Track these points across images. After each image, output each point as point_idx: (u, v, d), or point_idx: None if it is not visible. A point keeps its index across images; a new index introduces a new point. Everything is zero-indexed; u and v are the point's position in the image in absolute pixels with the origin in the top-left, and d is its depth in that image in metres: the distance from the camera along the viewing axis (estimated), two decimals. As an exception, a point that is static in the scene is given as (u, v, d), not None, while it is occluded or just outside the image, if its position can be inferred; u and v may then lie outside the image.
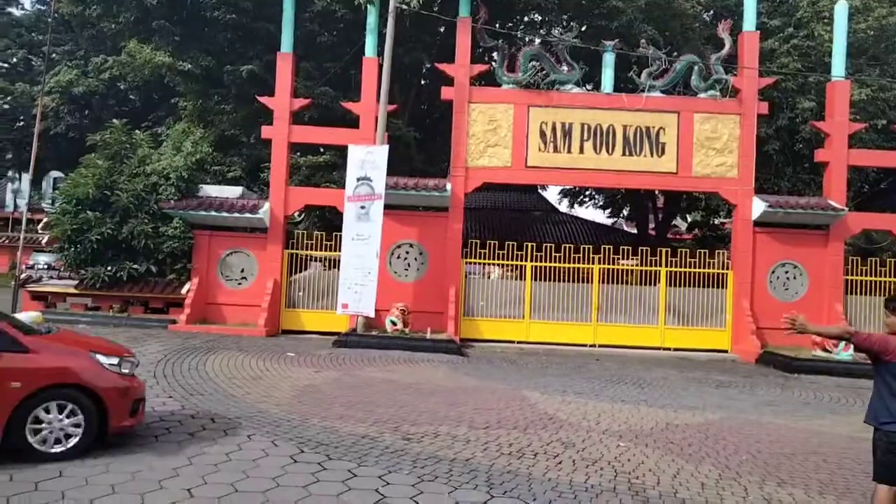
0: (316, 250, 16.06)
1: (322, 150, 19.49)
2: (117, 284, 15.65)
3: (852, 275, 16.02)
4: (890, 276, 16.03)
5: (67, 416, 5.50)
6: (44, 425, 5.43)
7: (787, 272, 15.94)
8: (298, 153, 18.16)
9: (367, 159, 14.38)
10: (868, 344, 4.50)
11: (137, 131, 17.84)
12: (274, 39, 16.52)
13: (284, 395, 8.58)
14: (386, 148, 14.51)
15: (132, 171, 16.04)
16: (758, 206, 15.65)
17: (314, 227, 21.44)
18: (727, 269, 16.14)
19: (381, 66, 15.19)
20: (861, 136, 18.00)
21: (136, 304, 15.85)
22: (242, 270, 15.86)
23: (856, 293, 16.00)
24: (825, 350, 13.83)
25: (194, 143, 16.76)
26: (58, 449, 5.44)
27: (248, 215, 15.48)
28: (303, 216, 22.14)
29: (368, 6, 15.45)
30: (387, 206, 14.64)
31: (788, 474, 6.27)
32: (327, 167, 18.31)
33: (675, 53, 17.06)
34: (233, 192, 16.76)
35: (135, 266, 15.59)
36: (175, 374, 9.54)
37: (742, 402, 9.92)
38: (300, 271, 16.23)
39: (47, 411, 5.45)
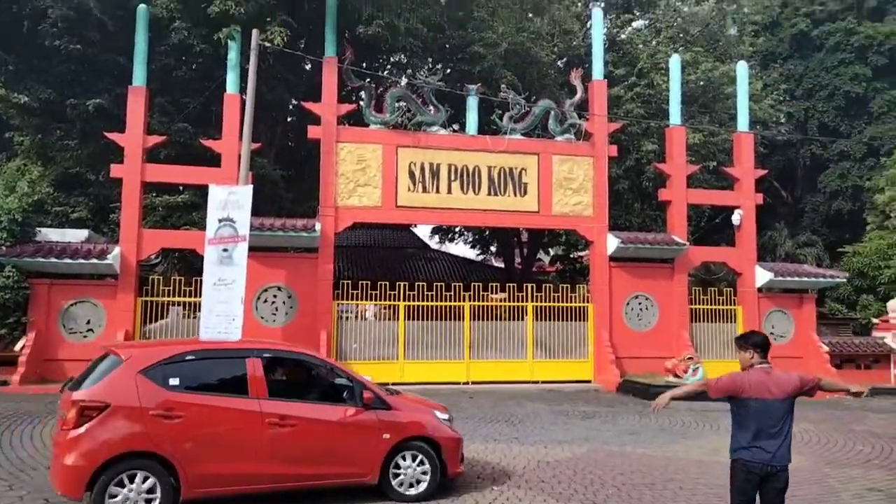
0: (174, 296, 15.01)
1: (181, 189, 18.40)
2: (-67, 343, 13.66)
3: (695, 304, 17.51)
4: (728, 305, 17.70)
5: (419, 465, 6.46)
6: (401, 471, 6.44)
7: (640, 303, 17.13)
8: (154, 193, 16.98)
9: (230, 199, 13.72)
10: (721, 393, 4.83)
11: (-39, 169, 15.87)
12: (125, 72, 15.49)
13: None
14: (250, 188, 13.95)
15: (-47, 214, 14.20)
16: (612, 242, 16.74)
17: (174, 270, 20.11)
18: (587, 301, 17.05)
19: (243, 103, 14.69)
20: (697, 176, 19.91)
21: (-44, 364, 13.89)
22: (88, 322, 14.45)
23: (699, 321, 17.47)
24: (676, 376, 14.90)
25: (31, 183, 15.22)
26: (412, 492, 6.44)
27: (94, 261, 14.19)
28: (160, 259, 20.71)
29: (229, 42, 14.96)
30: (253, 248, 14.03)
31: (650, 505, 6.59)
32: (186, 207, 17.25)
33: (534, 98, 18.03)
34: (77, 235, 15.35)
35: (-44, 321, 13.70)
36: (3, 445, 8.39)
37: (606, 433, 10.39)
38: (158, 320, 15.06)
39: (404, 459, 6.44)
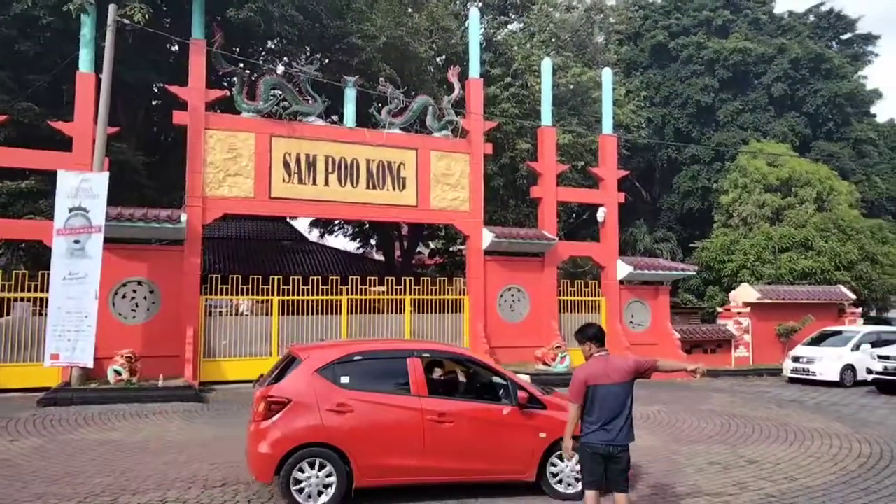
0: (17, 292, 13.60)
1: (26, 173, 16.67)
2: None
3: (564, 295, 18.43)
4: (593, 296, 18.78)
5: (577, 464, 6.01)
6: (558, 469, 6.57)
7: (512, 295, 17.76)
8: (-7, 178, 15.26)
9: (83, 187, 12.67)
10: (578, 397, 5.11)
11: None
12: (-45, 42, 13.79)
13: (-37, 479, 7.00)
14: (106, 175, 12.94)
15: None
16: (487, 237, 17.22)
17: (18, 263, 18.22)
18: (464, 294, 17.43)
19: (99, 83, 13.55)
20: (566, 175, 20.94)
21: None
22: None
23: (567, 311, 18.41)
24: (546, 364, 15.63)
25: None
26: (570, 491, 6.51)
27: (-83, 253, 12.53)
28: (3, 251, 18.68)
29: (82, 16, 13.72)
30: (110, 240, 13.05)
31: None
32: (32, 194, 15.62)
33: (413, 93, 18.12)
34: None
35: None
36: None
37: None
38: (1, 317, 13.57)
39: (560, 458, 6.49)
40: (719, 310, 21.75)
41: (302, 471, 5.95)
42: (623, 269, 18.86)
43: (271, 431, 5.98)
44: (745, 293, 20.70)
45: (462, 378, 7.31)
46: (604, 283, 19.07)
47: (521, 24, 26.71)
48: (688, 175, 29.77)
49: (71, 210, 12.53)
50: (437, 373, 7.20)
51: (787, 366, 17.80)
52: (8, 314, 13.66)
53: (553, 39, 25.49)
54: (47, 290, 12.61)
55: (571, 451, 5.25)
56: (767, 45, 30.08)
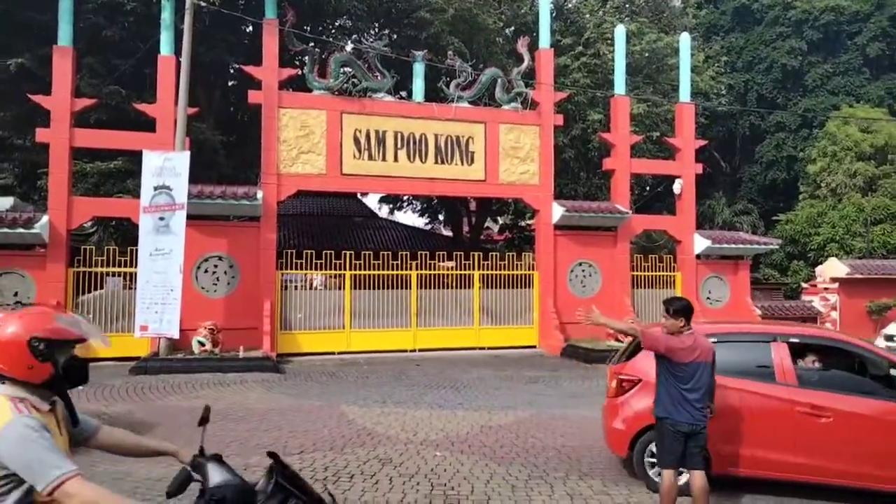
0: (109, 267, 14.45)
1: (115, 155, 17.60)
2: None
3: (637, 271, 17.95)
4: (668, 271, 18.22)
5: None
6: None
7: (583, 271, 17.44)
8: (85, 159, 16.17)
9: (166, 166, 13.23)
10: (656, 347, 4.97)
11: None
12: (49, 32, 14.52)
13: (67, 439, 7.53)
14: (187, 154, 13.46)
15: None
16: (557, 211, 16.92)
17: (109, 240, 19.34)
18: (533, 269, 17.25)
19: (179, 65, 14.04)
20: (641, 146, 20.25)
21: None
22: (16, 294, 13.73)
23: (641, 287, 17.94)
24: (618, 340, 15.29)
25: (-52, 147, 14.23)
26: None
27: (20, 230, 13.46)
28: (95, 228, 19.85)
29: (162, 0, 14.21)
30: (192, 217, 13.60)
31: (588, 466, 6.77)
32: (120, 174, 16.52)
33: (481, 66, 17.89)
34: (2, 203, 14.58)
35: None
36: None
37: (549, 397, 10.60)
38: (93, 291, 14.48)
39: None
40: (804, 286, 20.69)
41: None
42: (700, 243, 18.16)
43: (623, 408, 6.07)
44: (833, 268, 19.56)
45: (845, 367, 6.33)
46: (679, 257, 18.44)
47: (593, -9, 25.79)
48: (772, 144, 28.24)
49: (156, 188, 13.13)
50: (810, 359, 6.30)
51: (880, 344, 16.71)
52: (101, 288, 14.55)
53: (627, 5, 24.55)
54: (136, 265, 13.34)
55: (594, 319, 5.09)
56: (863, 2, 27.88)
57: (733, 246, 18.48)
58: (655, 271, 18.11)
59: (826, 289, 19.31)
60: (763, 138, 28.82)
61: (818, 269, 20.23)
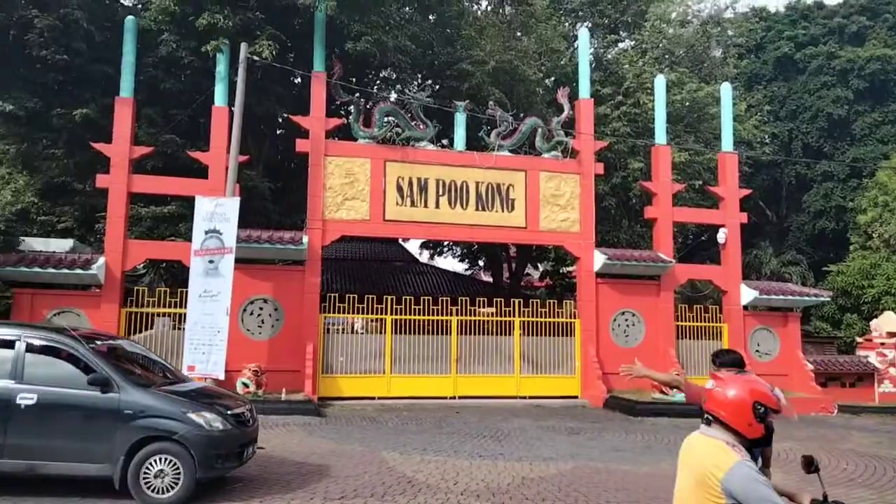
0: (159, 307, 14.87)
1: (168, 200, 18.31)
2: None
3: (681, 321, 17.58)
4: (713, 322, 17.79)
5: None
6: None
7: (626, 320, 17.17)
8: (140, 203, 16.86)
9: (217, 211, 13.68)
10: (699, 399, 4.86)
11: (-57, 177, 15.69)
12: (112, 83, 15.42)
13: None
14: (237, 200, 13.92)
15: (-66, 223, 14.05)
16: (598, 259, 16.81)
17: (160, 281, 19.92)
18: (575, 317, 17.06)
19: (231, 115, 14.68)
20: (682, 195, 20.09)
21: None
22: (70, 333, 14.22)
23: (685, 338, 17.53)
24: (663, 393, 14.91)
25: (15, 192, 15.07)
26: None
27: (78, 271, 14.03)
28: (147, 270, 20.50)
29: (217, 54, 14.99)
30: (239, 260, 13.97)
31: (634, 522, 6.56)
32: (173, 219, 17.12)
33: (522, 115, 18.16)
34: (62, 245, 15.20)
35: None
36: None
37: (591, 450, 10.36)
38: (144, 330, 14.88)
39: None
40: (859, 340, 19.88)
41: None
42: (747, 293, 17.73)
43: None
44: (889, 321, 18.79)
45: None
46: (725, 308, 18.02)
47: (633, 42, 26.13)
48: (819, 193, 27.69)
49: (207, 232, 13.57)
50: None
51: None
52: (151, 328, 14.95)
53: (666, 56, 24.72)
54: (185, 306, 13.70)
55: (635, 372, 4.83)
56: (910, 51, 27.54)
57: (782, 297, 17.99)
58: (701, 322, 17.71)
59: (882, 343, 18.53)
60: (810, 187, 28.30)
61: (873, 322, 19.45)
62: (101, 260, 14.35)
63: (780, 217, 30.23)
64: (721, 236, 18.15)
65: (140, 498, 6.35)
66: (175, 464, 6.42)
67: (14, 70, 16.23)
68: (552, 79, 23.09)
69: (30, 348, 6.65)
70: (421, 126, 16.45)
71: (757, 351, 17.94)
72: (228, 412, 6.99)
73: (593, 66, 20.99)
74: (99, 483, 6.54)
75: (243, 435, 7.12)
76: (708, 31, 26.31)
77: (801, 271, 25.84)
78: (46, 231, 17.45)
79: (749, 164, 25.78)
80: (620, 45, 26.13)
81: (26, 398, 6.39)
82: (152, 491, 6.36)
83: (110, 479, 6.39)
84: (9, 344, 6.69)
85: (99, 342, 7.27)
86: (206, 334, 13.05)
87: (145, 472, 6.38)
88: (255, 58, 14.69)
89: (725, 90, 19.04)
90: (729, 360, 4.94)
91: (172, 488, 6.39)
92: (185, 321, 13.49)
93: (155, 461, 6.40)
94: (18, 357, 6.57)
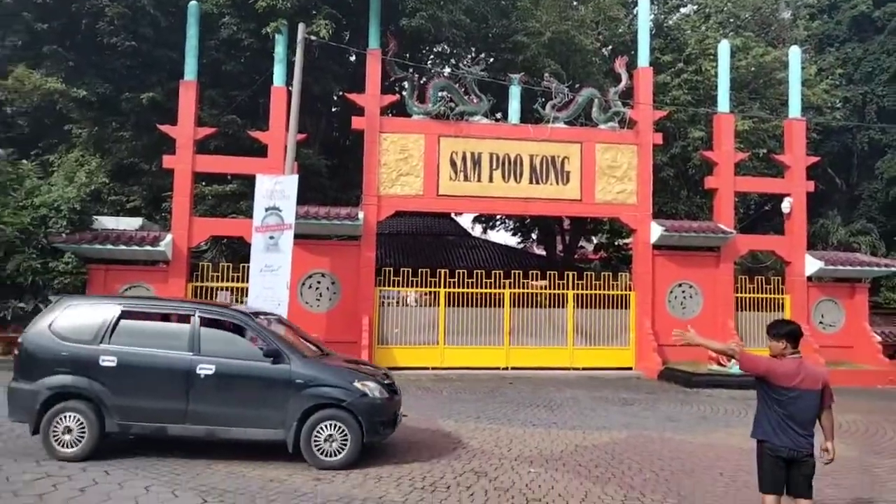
0: (222, 282, 15.54)
1: (229, 178, 18.97)
2: (1, 325, 14.50)
3: (741, 293, 17.16)
4: (774, 294, 17.29)
5: None
6: None
7: (683, 292, 16.89)
8: (204, 182, 17.55)
9: (276, 189, 14.12)
10: (754, 368, 4.86)
11: (25, 161, 16.74)
12: (176, 67, 16.03)
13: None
14: (296, 177, 14.31)
15: (18, 204, 15.02)
16: (655, 231, 16.54)
17: (221, 257, 20.74)
18: (629, 290, 16.90)
19: (289, 95, 15.04)
20: (745, 164, 19.43)
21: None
22: (144, 306, 15.06)
23: (745, 310, 17.13)
24: (720, 364, 14.69)
25: (89, 174, 15.95)
26: None
27: (147, 248, 14.80)
28: (209, 246, 21.36)
29: (276, 35, 15.33)
30: (298, 236, 14.41)
31: (689, 490, 6.60)
32: (234, 196, 17.78)
33: (577, 86, 17.87)
34: (132, 223, 16.00)
35: (21, 305, 14.52)
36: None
37: (645, 420, 10.36)
38: (207, 304, 15.60)
39: None
40: (932, 312, 18.96)
41: None
42: (812, 264, 17.13)
43: None
44: (968, 294, 17.84)
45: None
46: (788, 279, 17.47)
47: (695, 7, 25.17)
48: (894, 159, 26.19)
49: (267, 209, 14.04)
50: None
51: None
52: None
53: (731, 20, 23.74)
54: (246, 281, 14.29)
55: (688, 339, 5.02)
56: None
57: (849, 268, 17.31)
58: (762, 293, 17.24)
59: (959, 316, 17.64)
60: (885, 153, 26.76)
61: (950, 294, 18.51)
62: (168, 237, 15.07)
63: (851, 185, 28.77)
64: (786, 206, 17.53)
65: (312, 460, 6.82)
66: (343, 429, 6.87)
67: (87, 58, 17.05)
68: (609, 48, 22.53)
69: (204, 322, 7.18)
70: (475, 100, 16.44)
71: (821, 322, 17.38)
72: (385, 382, 7.45)
73: (653, 32, 20.32)
74: (272, 447, 7.04)
75: (397, 403, 7.59)
76: (775, -8, 25.08)
77: (872, 241, 24.61)
78: (117, 210, 18.37)
79: (818, 130, 24.60)
80: (682, 10, 25.22)
81: (205, 368, 6.91)
82: (323, 455, 6.83)
83: (283, 444, 6.88)
84: (185, 318, 7.26)
85: (262, 317, 7.77)
86: (268, 307, 13.54)
87: (316, 437, 6.85)
88: (313, 37, 14.96)
89: (794, 54, 18.21)
90: (785, 332, 4.90)
91: (341, 452, 6.85)
92: (245, 295, 14.08)
93: (324, 426, 6.86)
94: (195, 330, 7.09)
